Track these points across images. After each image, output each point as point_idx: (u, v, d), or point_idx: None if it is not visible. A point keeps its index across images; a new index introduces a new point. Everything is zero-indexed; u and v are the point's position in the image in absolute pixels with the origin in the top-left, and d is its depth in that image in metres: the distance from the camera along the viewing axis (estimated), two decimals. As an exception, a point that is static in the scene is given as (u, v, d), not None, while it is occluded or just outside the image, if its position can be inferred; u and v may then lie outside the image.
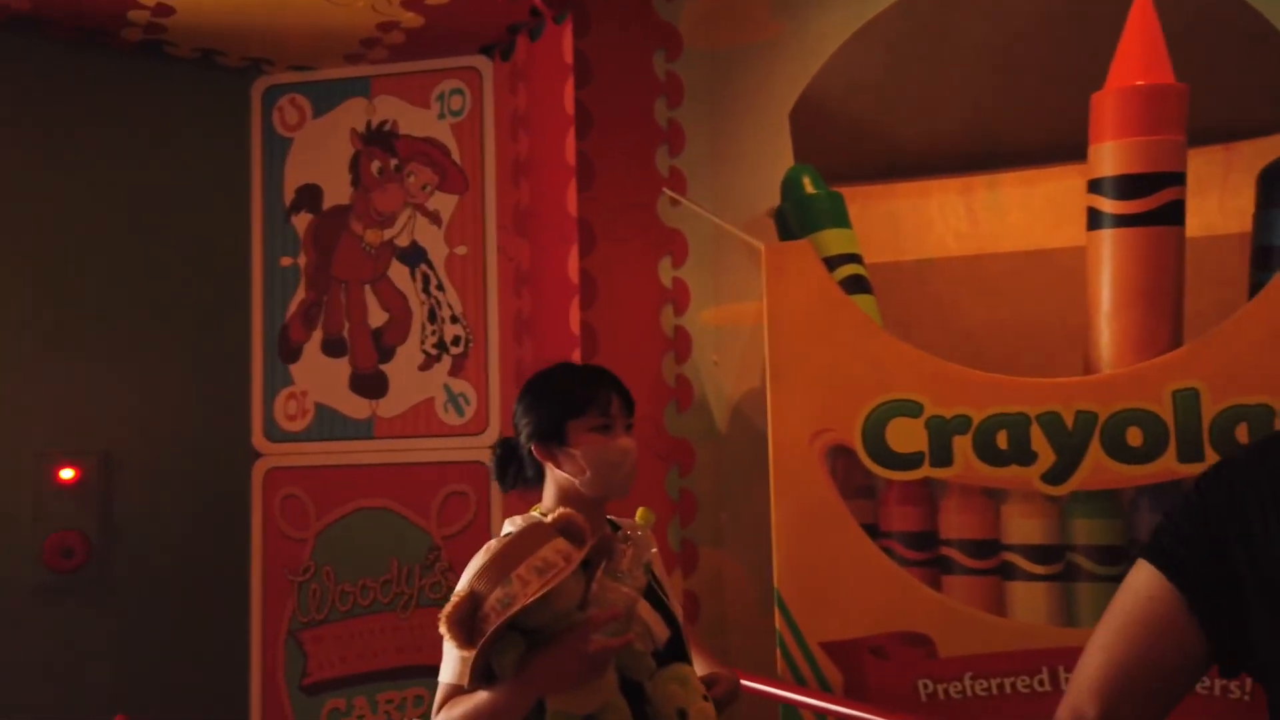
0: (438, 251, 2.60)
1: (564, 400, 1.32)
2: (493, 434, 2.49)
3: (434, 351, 2.59)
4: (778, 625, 1.87)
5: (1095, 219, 1.79)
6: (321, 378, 2.65)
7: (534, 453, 1.31)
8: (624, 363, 2.15)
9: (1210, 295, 1.90)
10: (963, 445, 1.78)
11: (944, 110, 2.24)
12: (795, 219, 2.11)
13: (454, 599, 1.12)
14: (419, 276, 2.62)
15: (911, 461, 1.81)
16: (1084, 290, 1.90)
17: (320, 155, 2.68)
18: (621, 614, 1.14)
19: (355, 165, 2.67)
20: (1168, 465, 1.68)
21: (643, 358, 2.35)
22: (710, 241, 2.44)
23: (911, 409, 1.81)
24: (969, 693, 1.74)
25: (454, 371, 2.57)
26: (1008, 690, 1.73)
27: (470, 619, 1.09)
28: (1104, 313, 1.77)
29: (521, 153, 2.48)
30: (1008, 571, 1.76)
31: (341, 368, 2.64)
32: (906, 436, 1.81)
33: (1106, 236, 1.76)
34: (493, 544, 1.19)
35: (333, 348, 2.65)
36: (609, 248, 2.32)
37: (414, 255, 2.62)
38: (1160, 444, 1.68)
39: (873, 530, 1.84)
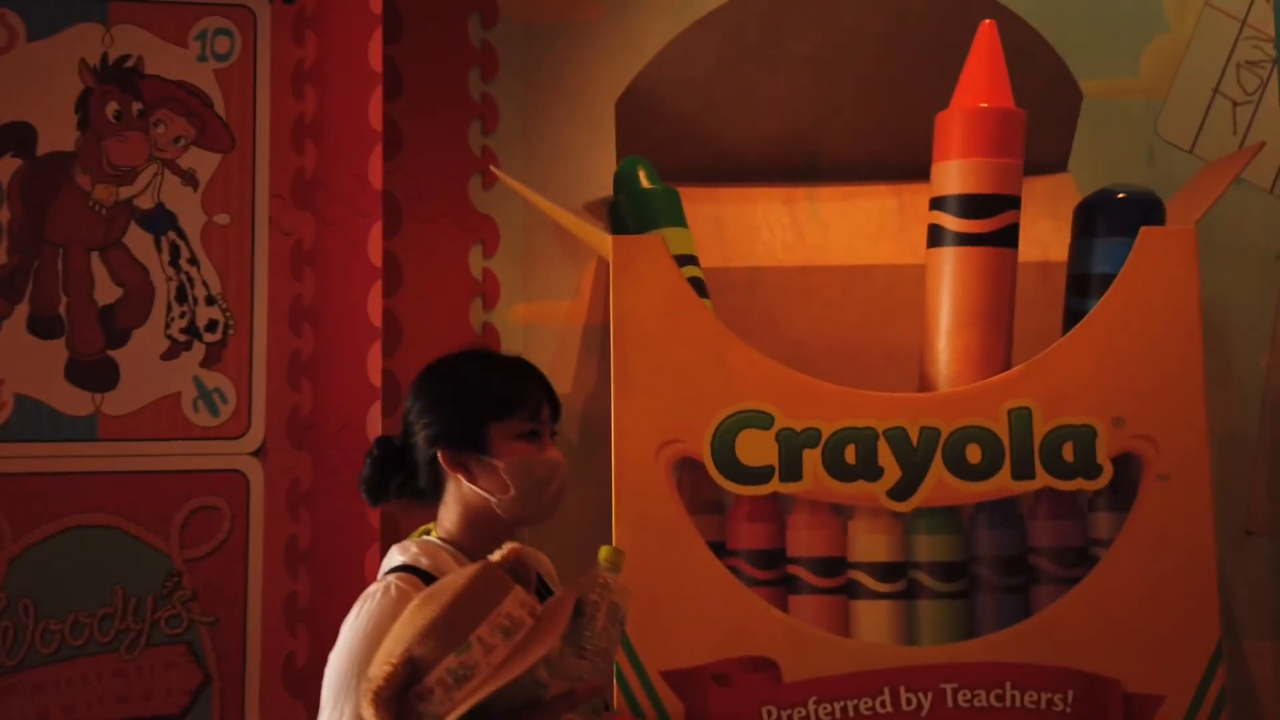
0: (192, 218, 2.17)
1: (485, 398, 1.08)
2: (256, 436, 2.12)
3: (182, 337, 2.16)
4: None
5: (937, 236, 1.81)
6: (25, 363, 2.12)
7: (441, 460, 1.06)
8: (429, 360, 1.90)
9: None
10: (812, 459, 1.72)
11: (767, 117, 2.20)
12: (631, 214, 1.97)
13: (384, 666, 0.83)
14: (166, 246, 2.18)
15: (761, 476, 1.72)
16: (919, 307, 1.91)
17: (35, 88, 2.16)
18: (600, 689, 0.93)
19: (84, 105, 2.17)
20: (1003, 483, 1.71)
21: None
22: (522, 231, 2.23)
23: (763, 420, 1.72)
24: (812, 718, 1.68)
25: (208, 362, 2.16)
26: (850, 713, 1.68)
27: (402, 694, 0.82)
28: (943, 329, 1.79)
29: (308, 112, 2.14)
30: (853, 590, 1.72)
31: (54, 352, 2.14)
32: (757, 449, 1.72)
33: (948, 254, 1.78)
34: (432, 591, 0.93)
35: (43, 327, 2.14)
36: (416, 228, 2.05)
37: (160, 220, 2.18)
38: (997, 461, 1.71)
39: (719, 548, 1.73)
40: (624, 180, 2.00)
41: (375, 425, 1.95)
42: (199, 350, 2.16)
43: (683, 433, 1.73)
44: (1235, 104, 2.58)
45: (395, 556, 1.13)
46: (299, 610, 2.06)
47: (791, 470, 1.71)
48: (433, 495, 1.14)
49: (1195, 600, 1.71)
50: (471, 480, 1.09)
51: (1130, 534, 1.70)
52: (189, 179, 2.18)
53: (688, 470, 1.74)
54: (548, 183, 2.15)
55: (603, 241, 1.82)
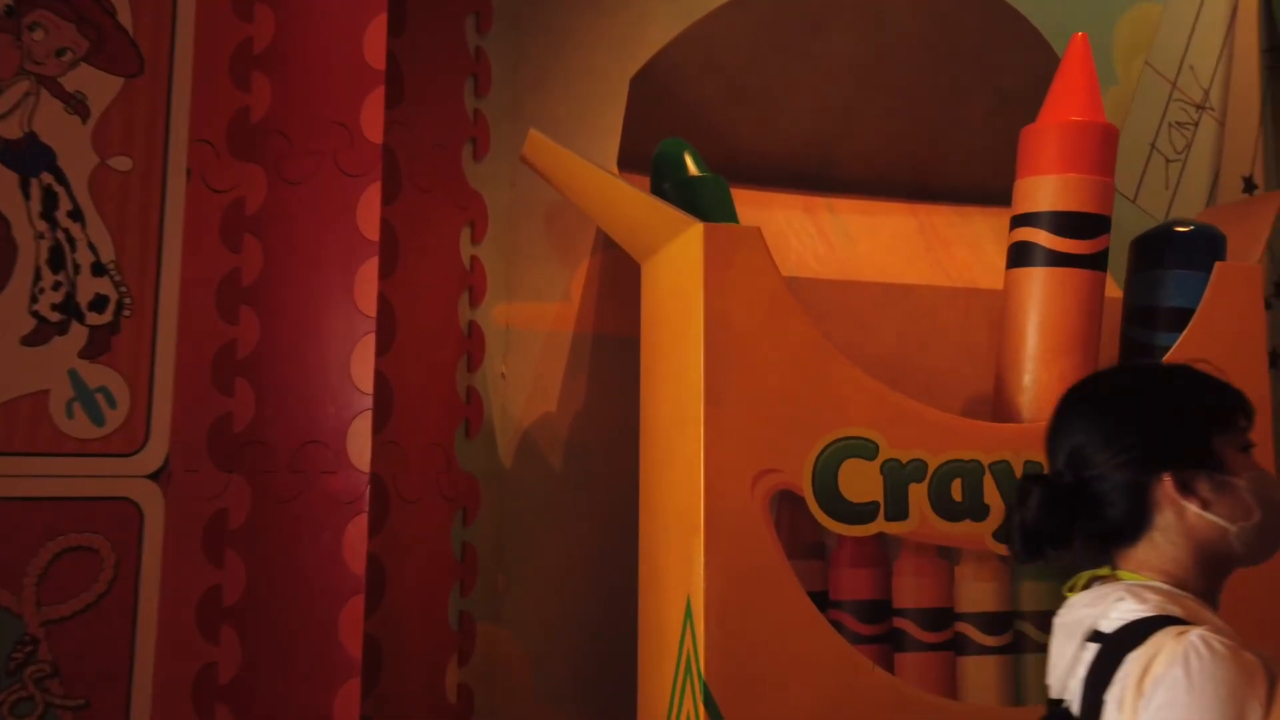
0: (77, 158, 1.63)
1: (1207, 407, 0.95)
2: (156, 453, 1.59)
3: (55, 316, 1.60)
4: (703, 732, 1.39)
5: (1024, 255, 1.67)
6: None
7: (1168, 486, 0.91)
8: (422, 363, 1.51)
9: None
10: (919, 495, 1.50)
11: (792, 116, 2.00)
12: (679, 205, 1.67)
13: None
14: (37, 192, 1.61)
15: (866, 514, 1.48)
16: (960, 331, 1.78)
17: None
18: None
19: (-78, -11, 1.57)
20: (1100, 522, 1.58)
21: (439, 358, 1.69)
22: (507, 218, 1.87)
23: (868, 450, 1.49)
24: (920, 795, 1.45)
25: (91, 352, 1.60)
26: (957, 786, 1.47)
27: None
28: (1032, 355, 1.65)
29: (260, 37, 1.66)
30: (960, 645, 1.52)
31: None
32: (861, 482, 1.48)
33: (1040, 274, 1.65)
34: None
35: None
36: (416, 199, 1.63)
37: (30, 157, 1.61)
38: (1095, 499, 1.58)
39: (820, 600, 1.46)
40: (667, 165, 1.70)
41: (363, 443, 1.50)
42: (78, 335, 1.60)
43: (781, 461, 1.45)
44: (1167, 160, 2.71)
45: (1131, 607, 0.89)
46: (219, 689, 1.55)
47: (898, 507, 1.49)
48: (1129, 534, 0.95)
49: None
50: (1205, 507, 0.92)
51: (1212, 578, 1.63)
52: (76, 105, 1.63)
53: (787, 507, 1.46)
54: (523, 166, 1.80)
55: (683, 227, 1.51)
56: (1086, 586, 1.03)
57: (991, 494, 1.53)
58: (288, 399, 1.55)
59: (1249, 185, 2.75)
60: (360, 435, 1.51)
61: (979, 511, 1.52)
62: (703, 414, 1.43)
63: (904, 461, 1.50)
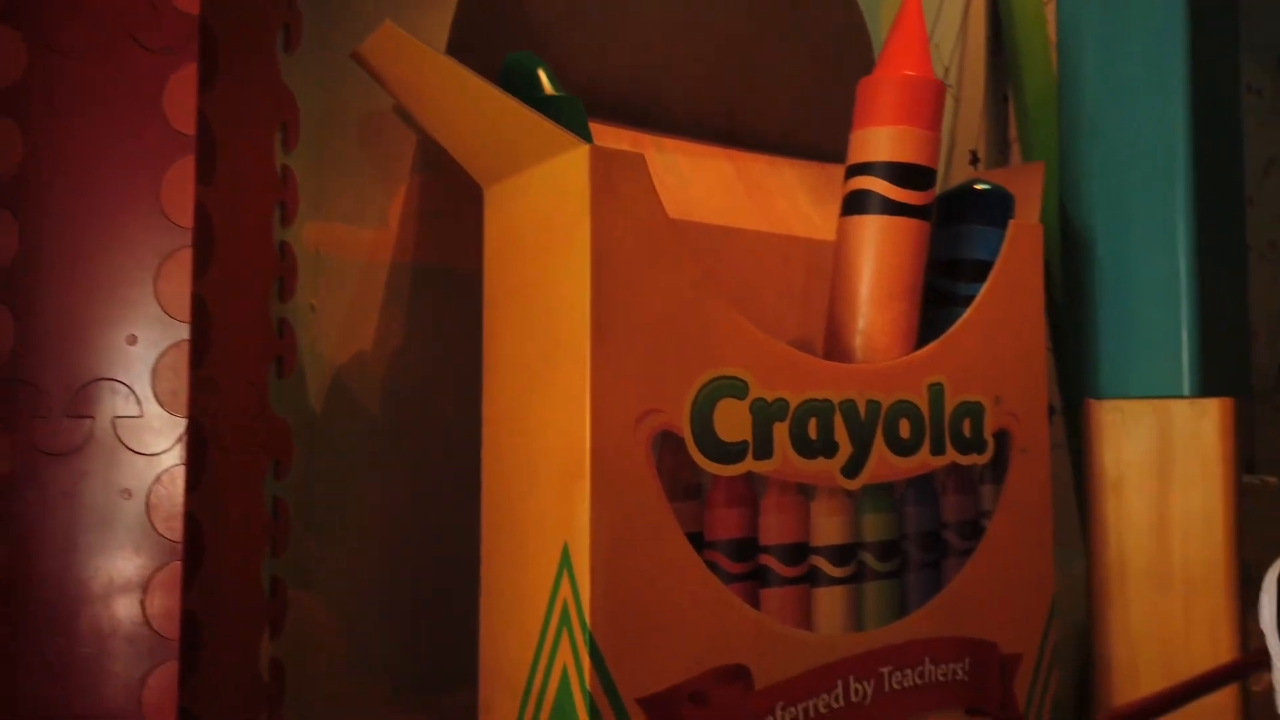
0: None
1: None
2: None
3: None
4: (589, 687, 1.31)
5: (862, 203, 1.73)
6: None
7: None
8: (238, 287, 1.32)
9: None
10: (781, 434, 1.51)
11: (620, 47, 1.91)
12: (534, 123, 1.54)
13: None
14: None
15: (737, 453, 1.46)
16: (780, 278, 1.83)
17: None
18: None
19: None
20: (924, 459, 1.70)
21: (255, 283, 1.43)
22: (321, 124, 1.64)
23: (739, 389, 1.47)
24: (781, 727, 1.48)
25: None
26: (811, 714, 1.51)
27: None
28: (867, 300, 1.71)
29: None
30: (814, 578, 1.55)
31: None
32: (733, 422, 1.46)
33: (875, 222, 1.71)
34: None
35: None
36: (232, 89, 1.35)
37: None
38: (920, 437, 1.69)
39: (697, 541, 1.43)
40: (520, 80, 1.56)
41: (177, 381, 1.24)
42: None
43: (663, 400, 1.39)
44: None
45: None
46: (-30, 689, 1.23)
47: (764, 447, 1.49)
48: None
49: (1038, 565, 1.87)
50: None
51: (1003, 505, 1.81)
52: None
53: (668, 448, 1.41)
54: (352, 67, 1.59)
55: (565, 147, 1.39)
56: None
57: (840, 432, 1.58)
58: (54, 328, 1.24)
59: (974, 159, 3.07)
60: (173, 373, 1.24)
61: (830, 449, 1.56)
62: (589, 351, 1.33)
63: (770, 401, 1.50)
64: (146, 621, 1.22)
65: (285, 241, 1.53)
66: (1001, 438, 1.83)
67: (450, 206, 1.77)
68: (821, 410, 1.56)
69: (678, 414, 1.40)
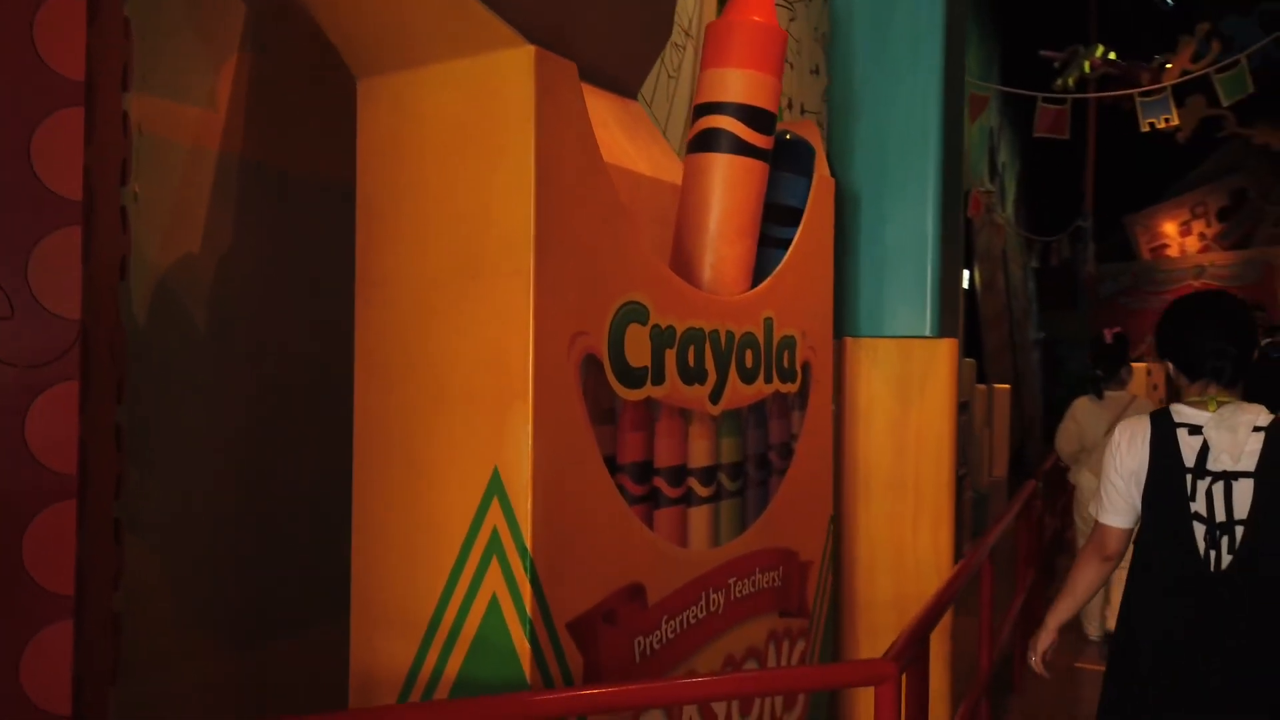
0: None
1: None
2: None
3: None
4: (530, 614, 1.26)
5: (714, 141, 1.79)
6: None
7: None
8: (110, 161, 1.16)
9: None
10: (670, 360, 1.55)
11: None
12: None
13: None
14: None
15: (641, 377, 1.48)
16: (678, 207, 1.87)
17: None
18: None
19: None
20: (760, 386, 1.83)
21: (110, 152, 1.16)
22: (150, -24, 1.36)
23: (642, 315, 1.49)
24: (665, 639, 1.54)
25: None
26: (684, 627, 1.60)
27: None
28: (716, 234, 1.79)
29: None
30: (690, 498, 1.62)
31: None
32: (638, 347, 1.47)
33: (729, 161, 1.79)
34: None
35: None
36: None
37: None
38: (758, 366, 1.82)
39: (612, 465, 1.42)
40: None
41: (65, 273, 0.98)
42: None
43: (589, 323, 1.37)
44: (670, 76, 3.07)
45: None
46: None
47: (658, 372, 1.53)
48: None
49: (824, 481, 2.11)
50: None
51: (806, 429, 2.01)
52: None
53: (591, 371, 1.38)
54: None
55: (502, 45, 1.28)
56: (1217, 408, 1.64)
57: (709, 359, 1.66)
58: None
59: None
60: (58, 259, 0.98)
61: (703, 375, 1.64)
62: (532, 267, 1.26)
63: (663, 327, 1.53)
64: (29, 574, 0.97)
65: (127, 111, 1.26)
66: (805, 369, 2.02)
67: (289, 96, 1.56)
68: (698, 339, 1.62)
69: (599, 337, 1.39)
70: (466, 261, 1.31)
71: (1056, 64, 8.58)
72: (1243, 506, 1.59)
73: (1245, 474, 1.60)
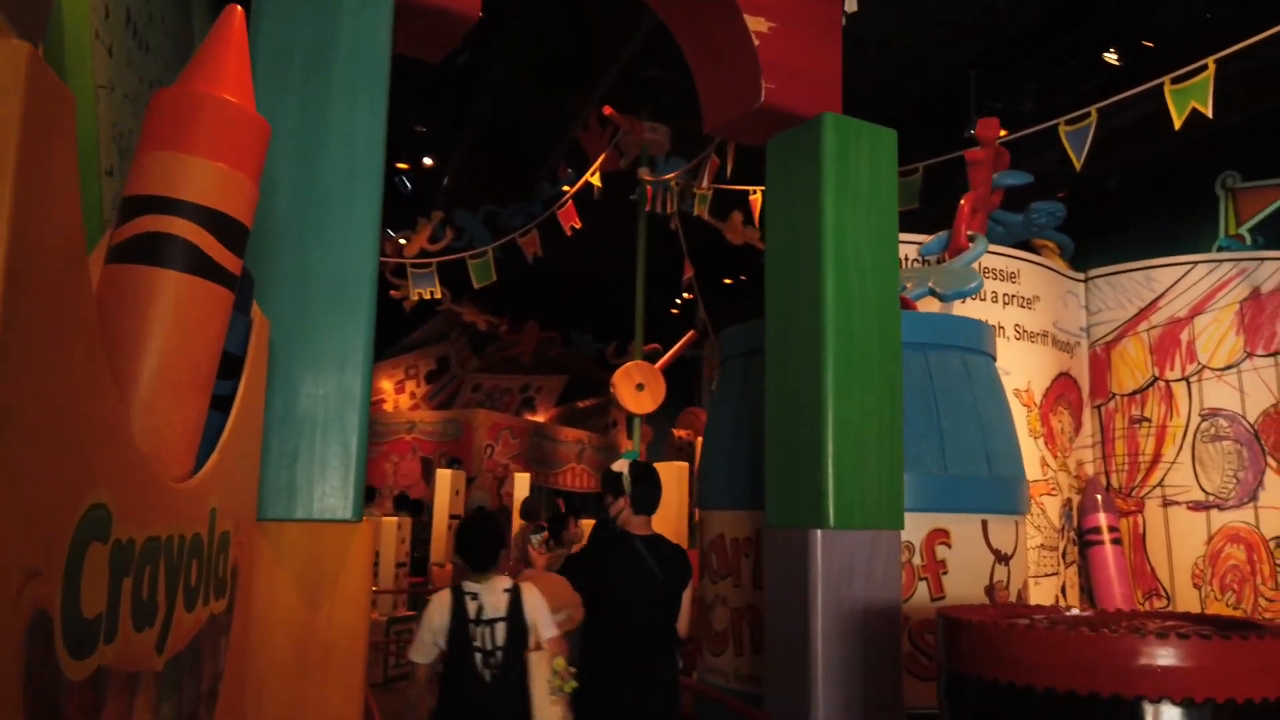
0: None
1: None
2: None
3: None
4: None
5: (160, 251, 1.21)
6: None
7: None
8: None
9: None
10: (125, 596, 0.93)
11: None
12: None
13: None
14: None
15: (93, 636, 0.84)
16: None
17: None
18: None
19: None
20: (199, 614, 1.24)
21: None
22: None
23: (104, 526, 0.86)
24: None
25: None
26: None
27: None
28: (159, 382, 1.19)
29: None
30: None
31: None
32: (96, 583, 0.84)
33: (184, 284, 1.22)
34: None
35: None
36: None
37: None
38: (200, 583, 1.24)
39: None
40: None
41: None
42: None
43: (44, 552, 0.72)
44: None
45: None
46: None
47: (112, 621, 0.90)
48: None
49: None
50: None
51: (230, 663, 1.44)
52: None
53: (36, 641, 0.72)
54: None
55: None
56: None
57: (161, 587, 1.06)
58: None
59: None
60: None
61: (153, 613, 1.03)
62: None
63: (124, 542, 0.93)
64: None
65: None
66: (234, 575, 1.46)
67: None
68: (154, 555, 1.02)
69: (54, 575, 0.75)
70: None
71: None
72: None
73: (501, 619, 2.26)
